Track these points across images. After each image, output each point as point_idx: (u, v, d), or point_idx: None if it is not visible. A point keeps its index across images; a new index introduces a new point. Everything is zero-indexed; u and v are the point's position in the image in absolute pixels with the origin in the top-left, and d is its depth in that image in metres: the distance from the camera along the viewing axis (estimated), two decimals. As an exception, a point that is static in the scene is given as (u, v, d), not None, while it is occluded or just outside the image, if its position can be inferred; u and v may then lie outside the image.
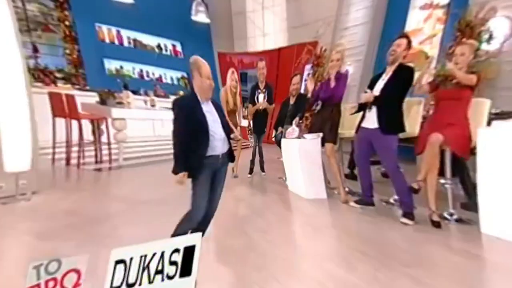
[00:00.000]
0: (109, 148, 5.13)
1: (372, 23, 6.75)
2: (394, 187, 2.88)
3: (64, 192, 3.49)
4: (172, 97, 8.85)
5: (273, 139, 4.58)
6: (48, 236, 2.30)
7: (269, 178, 4.60)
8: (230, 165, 1.87)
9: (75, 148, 4.81)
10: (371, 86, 3.00)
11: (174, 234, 1.65)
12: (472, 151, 2.61)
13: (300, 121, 4.03)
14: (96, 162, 5.10)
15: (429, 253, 2.19)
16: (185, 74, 10.02)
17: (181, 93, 9.45)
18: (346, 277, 1.81)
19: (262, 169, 4.77)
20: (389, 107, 2.85)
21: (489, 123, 2.70)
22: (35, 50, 6.97)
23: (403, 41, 2.87)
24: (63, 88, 6.44)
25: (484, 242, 2.33)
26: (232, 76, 4.51)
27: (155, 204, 3.17)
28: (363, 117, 3.05)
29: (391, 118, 2.84)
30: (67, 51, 7.48)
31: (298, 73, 4.76)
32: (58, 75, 7.22)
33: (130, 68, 8.82)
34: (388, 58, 2.92)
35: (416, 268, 1.90)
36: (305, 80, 7.71)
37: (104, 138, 5.15)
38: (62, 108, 4.71)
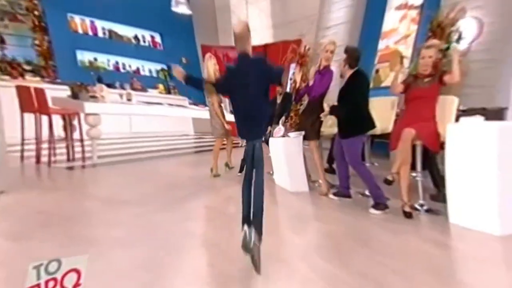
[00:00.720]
0: (82, 145, 4.93)
1: (353, 22, 6.87)
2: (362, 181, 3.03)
3: (35, 192, 3.33)
4: (151, 91, 8.58)
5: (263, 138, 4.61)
6: (20, 237, 2.20)
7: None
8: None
9: (45, 145, 4.57)
10: None
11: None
12: (441, 146, 2.76)
13: (286, 120, 4.15)
14: (68, 160, 4.89)
15: (401, 242, 2.30)
16: (164, 66, 9.66)
17: (161, 86, 9.14)
18: (323, 265, 1.87)
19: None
20: (344, 113, 3.04)
21: (457, 120, 2.85)
22: (2, 41, 6.58)
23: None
24: (32, 81, 6.11)
25: (452, 232, 2.47)
26: (212, 61, 4.26)
27: (134, 205, 3.05)
28: None
29: (347, 123, 3.04)
30: (37, 42, 7.08)
31: None
32: (26, 67, 6.84)
33: (105, 60, 8.47)
34: None
35: (389, 257, 2.00)
36: (290, 79, 7.73)
37: (76, 135, 4.94)
38: (31, 102, 4.46)
